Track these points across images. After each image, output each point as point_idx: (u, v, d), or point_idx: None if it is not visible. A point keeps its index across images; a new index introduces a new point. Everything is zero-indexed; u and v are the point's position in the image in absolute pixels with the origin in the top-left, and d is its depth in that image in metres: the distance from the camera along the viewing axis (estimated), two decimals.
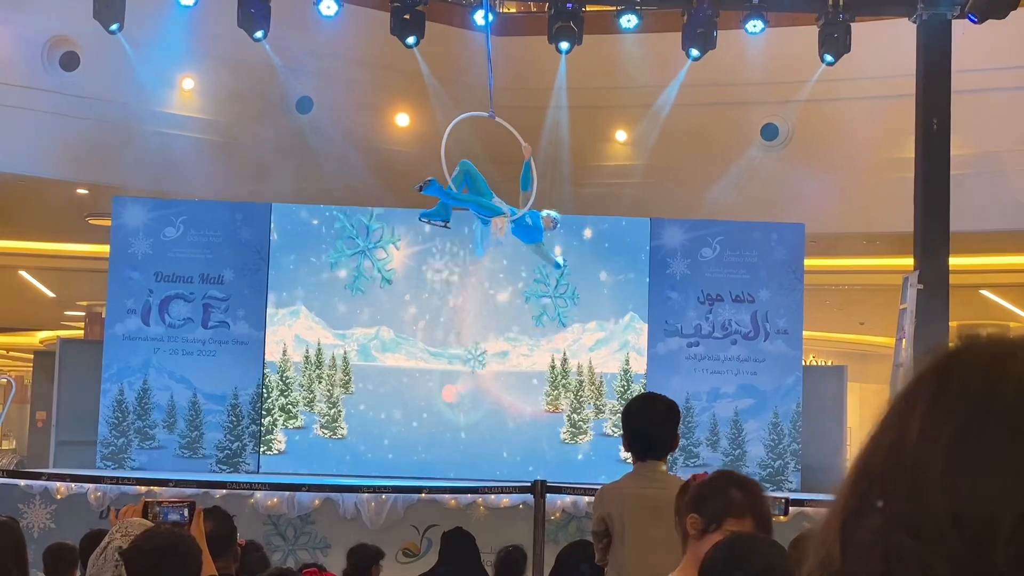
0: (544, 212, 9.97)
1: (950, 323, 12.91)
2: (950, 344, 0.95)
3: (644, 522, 5.06)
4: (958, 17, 12.62)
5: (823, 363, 22.57)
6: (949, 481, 0.86)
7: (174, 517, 4.56)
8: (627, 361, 14.05)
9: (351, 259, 14.04)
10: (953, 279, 12.70)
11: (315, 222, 14.20)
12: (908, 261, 13.07)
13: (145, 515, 4.52)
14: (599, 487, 5.86)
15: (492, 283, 14.18)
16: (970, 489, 0.85)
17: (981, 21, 12.32)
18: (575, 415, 14.04)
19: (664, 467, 5.32)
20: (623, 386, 13.99)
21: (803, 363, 14.74)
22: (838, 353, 23.96)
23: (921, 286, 12.35)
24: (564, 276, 13.88)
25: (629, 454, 5.40)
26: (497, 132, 11.21)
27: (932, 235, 12.62)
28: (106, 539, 4.29)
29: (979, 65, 13.69)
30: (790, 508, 5.31)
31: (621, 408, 13.90)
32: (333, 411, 13.99)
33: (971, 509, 0.85)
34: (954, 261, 12.74)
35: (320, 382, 14.03)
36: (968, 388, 0.89)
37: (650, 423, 5.23)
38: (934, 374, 0.93)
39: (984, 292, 19.08)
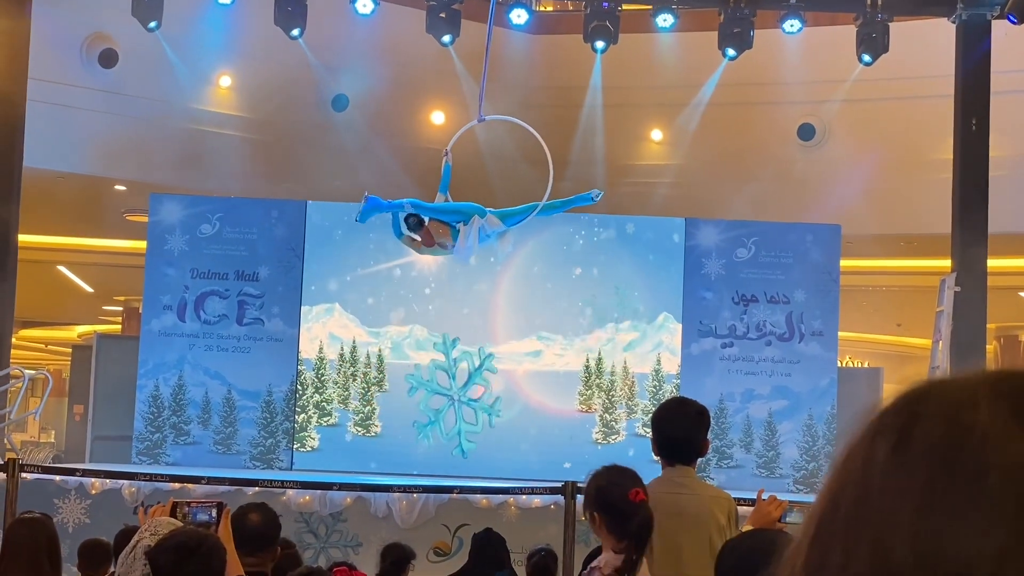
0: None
1: (987, 325, 12.80)
2: (908, 389, 0.91)
3: (671, 527, 5.02)
4: (998, 17, 12.51)
5: (859, 365, 22.44)
6: (916, 545, 0.82)
7: (203, 517, 4.58)
8: (659, 361, 14.02)
9: (431, 397, 14.07)
10: (991, 281, 12.60)
11: (349, 220, 14.23)
12: (945, 263, 12.97)
13: (174, 515, 4.54)
14: None
15: (526, 283, 14.17)
16: (938, 553, 0.81)
17: (1021, 22, 12.20)
18: (607, 415, 14.02)
19: (693, 472, 5.29)
20: (655, 386, 13.96)
21: (838, 365, 14.66)
22: (874, 355, 23.80)
23: (958, 288, 12.25)
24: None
25: (655, 456, 5.37)
26: (530, 133, 11.20)
27: (970, 237, 12.51)
28: (135, 538, 4.32)
29: (1019, 66, 13.56)
30: None
31: (653, 408, 13.90)
32: (367, 408, 14.03)
33: (940, 574, 0.81)
34: (992, 263, 12.63)
35: (355, 379, 14.07)
36: (930, 443, 0.85)
37: (680, 428, 5.20)
38: (893, 426, 0.88)
39: (1022, 294, 18.91)
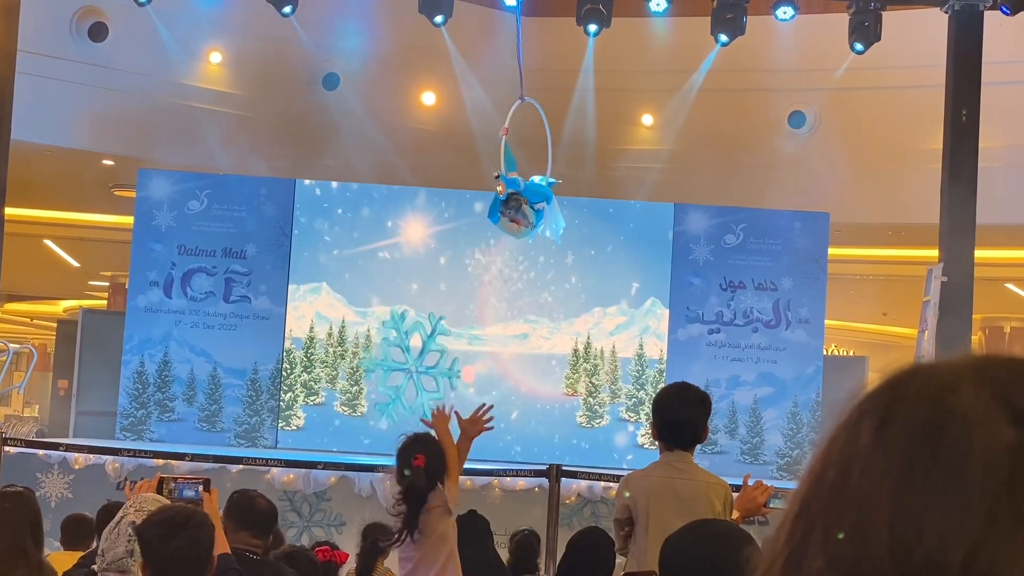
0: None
1: (974, 316, 12.81)
2: (893, 372, 0.92)
3: (668, 512, 5.04)
4: (991, 8, 12.50)
5: (845, 353, 22.50)
6: (894, 524, 0.83)
7: (189, 493, 4.58)
8: (641, 346, 14.04)
9: (388, 375, 14.02)
10: (978, 272, 12.60)
11: (339, 199, 14.22)
12: (933, 252, 12.97)
13: (160, 491, 4.54)
14: (615, 472, 5.86)
15: (514, 264, 14.16)
16: (915, 533, 0.82)
17: (1014, 13, 12.19)
18: (591, 399, 14.04)
19: (691, 458, 5.31)
20: (638, 371, 13.98)
21: (824, 353, 14.68)
22: (860, 343, 23.86)
23: (945, 278, 12.25)
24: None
25: (653, 441, 5.39)
26: (524, 114, 11.16)
27: (958, 227, 12.50)
28: (120, 513, 4.31)
29: (1010, 57, 13.56)
30: None
31: (636, 393, 13.95)
32: (355, 388, 14.02)
33: (917, 554, 0.82)
34: (979, 254, 12.63)
35: (343, 359, 14.06)
36: (913, 425, 0.86)
37: (682, 413, 5.22)
38: (877, 407, 0.90)
39: (1009, 286, 18.96)
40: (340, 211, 14.20)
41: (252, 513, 5.46)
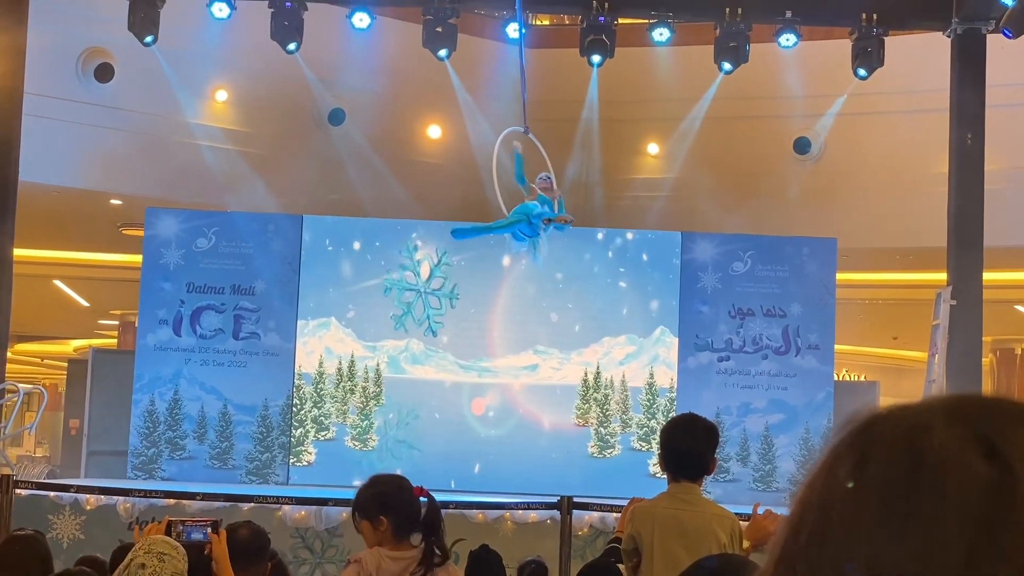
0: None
1: (983, 339, 12.79)
2: (865, 415, 0.93)
3: (672, 543, 5.02)
4: (993, 32, 12.52)
5: (855, 378, 22.44)
6: (872, 563, 0.84)
7: (197, 536, 4.58)
8: (651, 375, 14.02)
9: (403, 293, 14.14)
10: (987, 295, 12.59)
11: (346, 234, 14.24)
12: (941, 276, 12.96)
13: (168, 533, 4.54)
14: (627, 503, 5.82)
15: (522, 297, 14.17)
16: (893, 571, 0.84)
17: (1016, 36, 12.21)
18: (602, 429, 14.01)
19: (699, 489, 5.28)
20: (648, 400, 13.96)
21: (835, 378, 14.65)
22: (871, 368, 23.81)
23: (954, 302, 12.23)
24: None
25: (663, 471, 5.37)
26: (531, 142, 11.25)
27: (965, 250, 12.50)
28: (129, 556, 4.31)
29: (1014, 79, 13.58)
30: None
31: (648, 422, 13.93)
32: (365, 423, 14.01)
33: None
34: (988, 276, 12.62)
35: (353, 394, 14.05)
36: (888, 465, 0.88)
37: (689, 444, 5.20)
38: (852, 449, 0.91)
39: (1018, 308, 18.92)
40: (347, 246, 14.22)
41: (230, 548, 5.34)
